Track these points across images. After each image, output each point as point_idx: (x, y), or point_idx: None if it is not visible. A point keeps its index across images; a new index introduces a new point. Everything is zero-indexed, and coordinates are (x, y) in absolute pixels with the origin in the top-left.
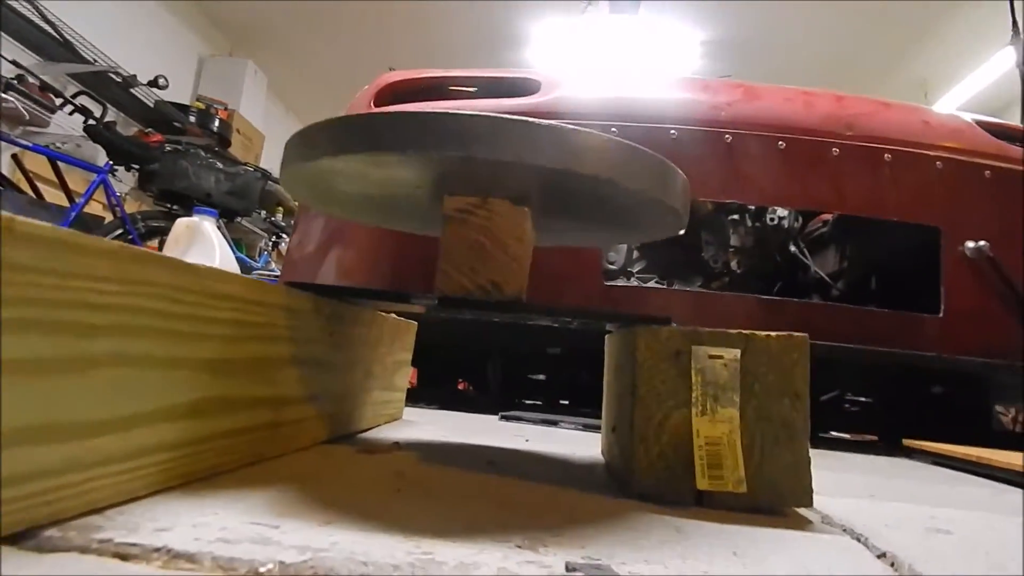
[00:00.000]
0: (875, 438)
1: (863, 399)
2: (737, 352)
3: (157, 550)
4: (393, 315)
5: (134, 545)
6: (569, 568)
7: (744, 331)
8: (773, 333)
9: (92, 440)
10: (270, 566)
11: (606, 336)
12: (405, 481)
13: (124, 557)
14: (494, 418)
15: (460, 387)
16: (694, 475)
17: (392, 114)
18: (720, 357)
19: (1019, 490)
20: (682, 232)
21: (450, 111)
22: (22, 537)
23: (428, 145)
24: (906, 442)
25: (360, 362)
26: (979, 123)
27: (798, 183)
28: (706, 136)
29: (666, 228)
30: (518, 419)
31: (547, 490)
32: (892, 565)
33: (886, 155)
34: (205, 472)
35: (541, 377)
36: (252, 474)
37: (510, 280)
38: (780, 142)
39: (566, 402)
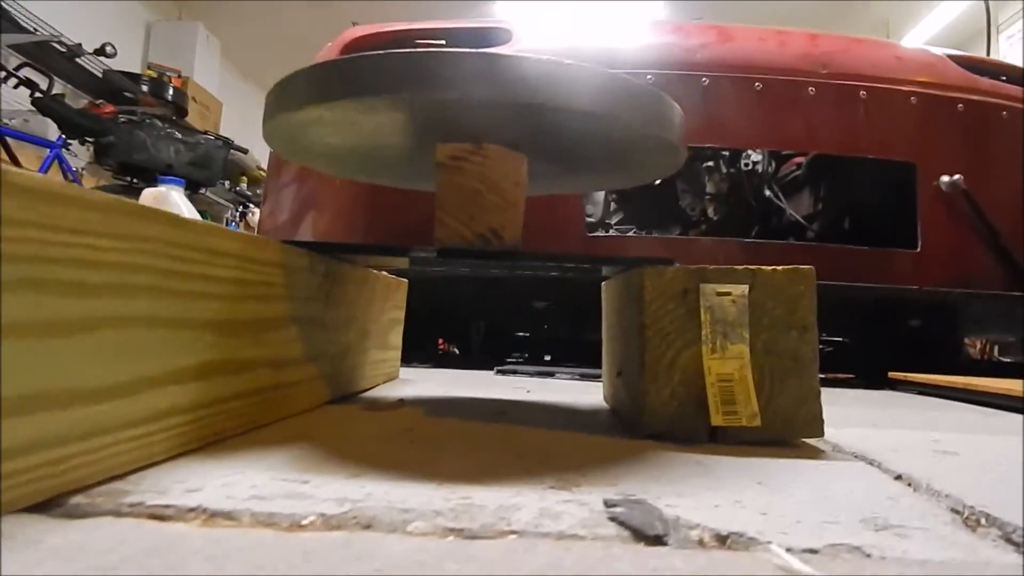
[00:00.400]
0: (851, 376)
1: (838, 339)
2: (745, 288)
3: (192, 510)
4: (384, 273)
5: (167, 507)
6: (608, 504)
7: (750, 267)
8: (779, 267)
9: (103, 405)
10: (312, 518)
11: (603, 284)
12: (418, 434)
13: (160, 518)
14: (490, 373)
15: (440, 348)
16: (706, 412)
17: (383, 55)
18: (728, 294)
19: (1007, 412)
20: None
21: (442, 50)
22: (48, 506)
23: (422, 86)
24: (891, 374)
25: (356, 321)
26: (951, 57)
27: (776, 124)
28: (682, 80)
29: (664, 166)
30: (514, 372)
31: (561, 435)
32: (910, 485)
33: (861, 92)
34: (217, 435)
35: (525, 334)
36: (263, 435)
37: (508, 226)
38: (757, 83)
39: (548, 357)
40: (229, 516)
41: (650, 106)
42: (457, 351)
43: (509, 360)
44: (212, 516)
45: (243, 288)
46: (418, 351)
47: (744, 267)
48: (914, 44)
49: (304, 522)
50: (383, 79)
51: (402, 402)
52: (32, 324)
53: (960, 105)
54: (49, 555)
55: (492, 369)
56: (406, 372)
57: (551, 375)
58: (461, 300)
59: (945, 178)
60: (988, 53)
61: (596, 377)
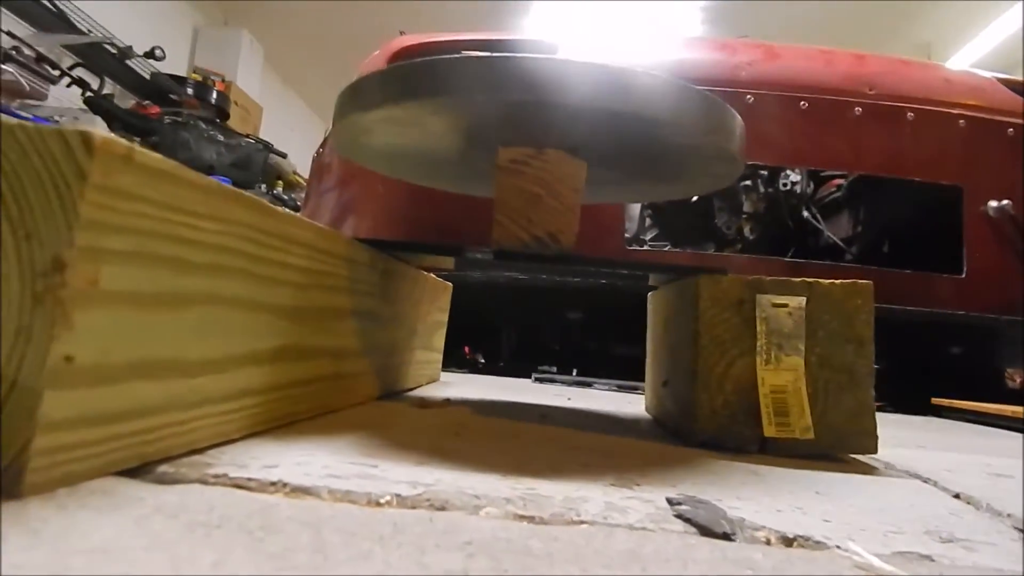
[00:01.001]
0: (882, 404)
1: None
2: (802, 300)
3: (273, 484)
4: (432, 275)
5: (250, 480)
6: (672, 502)
7: (807, 279)
8: (837, 281)
9: (191, 380)
10: (388, 497)
11: (649, 295)
12: (471, 430)
13: (245, 489)
14: (526, 380)
15: (466, 355)
16: (758, 423)
17: (459, 58)
18: (785, 305)
19: None
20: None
21: (517, 54)
22: (137, 472)
23: (497, 88)
24: (934, 400)
25: (406, 319)
26: (999, 80)
27: (821, 144)
28: (727, 97)
29: (721, 177)
30: (551, 380)
31: (609, 439)
32: (969, 503)
33: (908, 114)
34: (283, 419)
35: (556, 346)
36: (325, 423)
37: (565, 231)
38: (802, 102)
39: (576, 371)
40: (308, 491)
41: (713, 114)
42: (483, 359)
43: (540, 370)
44: (293, 490)
45: (313, 277)
46: (448, 357)
47: (801, 279)
48: (959, 67)
49: (382, 500)
50: (454, 80)
51: (448, 401)
52: (140, 295)
53: (1010, 129)
54: (154, 511)
55: (526, 377)
56: (444, 376)
57: (589, 385)
58: (493, 308)
59: (993, 203)
60: None
61: (634, 389)
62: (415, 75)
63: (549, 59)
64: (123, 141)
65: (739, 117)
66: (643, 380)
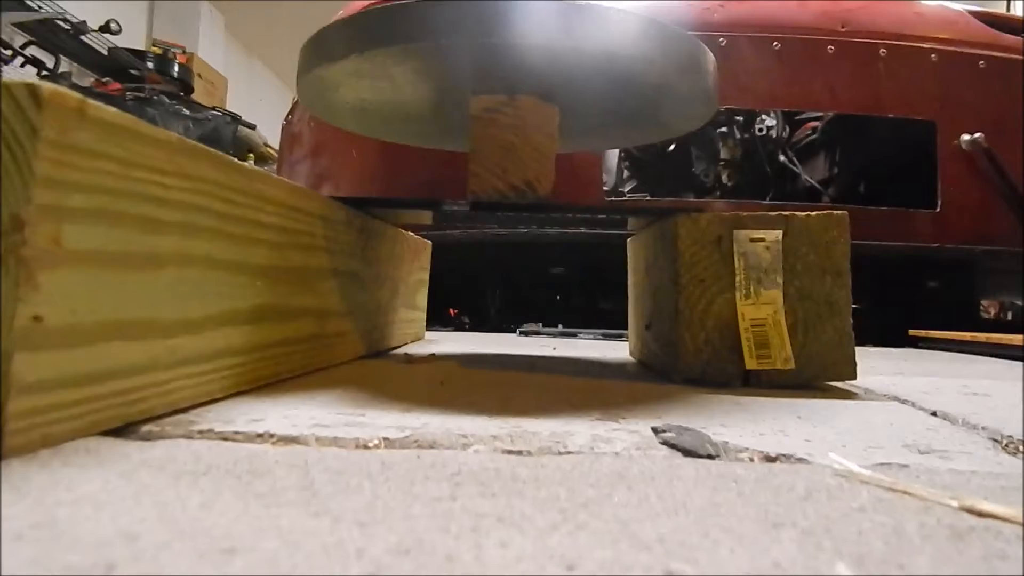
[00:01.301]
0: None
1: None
2: (779, 233)
3: (260, 435)
4: (411, 234)
5: (236, 432)
6: (657, 431)
7: (783, 212)
8: (813, 212)
9: (168, 340)
10: (376, 441)
11: (628, 241)
12: (459, 380)
13: (232, 441)
14: (511, 335)
15: (451, 315)
16: (740, 357)
17: (423, 2)
18: (762, 240)
19: None
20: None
21: None
22: (122, 432)
23: (463, 31)
24: (911, 332)
25: (388, 279)
26: (971, 13)
27: (795, 84)
28: (700, 40)
29: (696, 118)
30: (536, 333)
31: (594, 381)
32: (946, 419)
33: (881, 50)
34: (267, 379)
35: (539, 303)
36: (310, 380)
37: (542, 179)
38: (775, 43)
39: (560, 326)
40: (296, 440)
41: (685, 50)
42: (467, 320)
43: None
44: (280, 439)
45: (288, 236)
46: (432, 318)
47: (778, 213)
48: (933, 0)
49: (370, 444)
50: (422, 25)
51: (434, 356)
52: (108, 255)
53: (981, 62)
54: (141, 465)
55: (512, 332)
56: (429, 335)
57: (574, 335)
58: (475, 267)
59: (966, 136)
60: (1008, 8)
61: (619, 337)
62: (379, 21)
63: (516, 1)
64: (74, 93)
65: (711, 53)
66: (627, 329)
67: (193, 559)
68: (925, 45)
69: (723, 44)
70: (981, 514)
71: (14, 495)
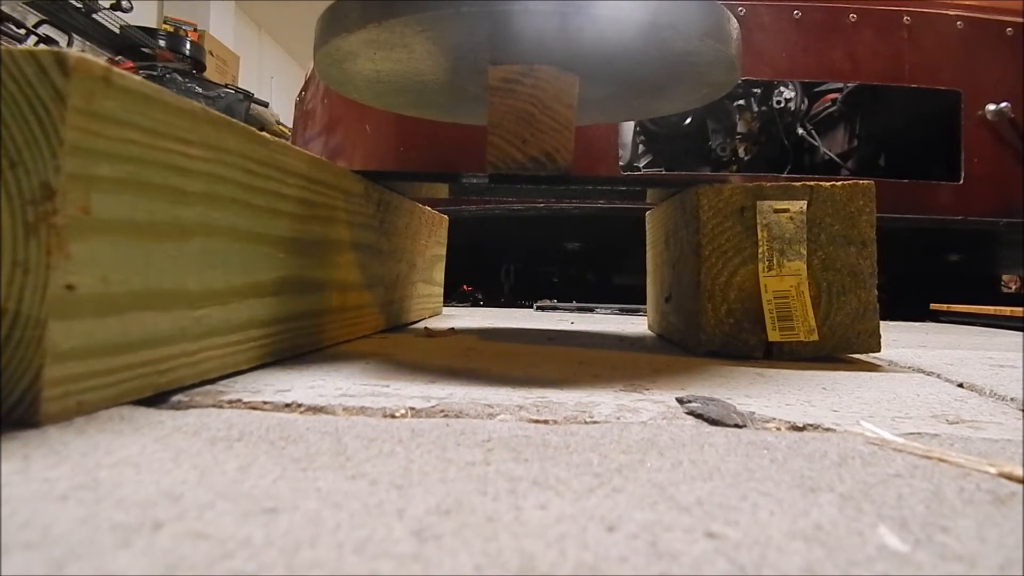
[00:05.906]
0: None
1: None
2: (803, 204)
3: (288, 405)
4: (428, 208)
5: (265, 403)
6: (682, 401)
7: (808, 182)
8: (838, 182)
9: (196, 311)
10: (403, 411)
11: (648, 213)
12: (480, 352)
13: (261, 410)
14: (529, 310)
15: (465, 291)
16: (763, 329)
17: None
18: (786, 210)
19: None
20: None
21: None
22: (153, 401)
23: None
24: (932, 306)
25: (406, 252)
26: None
27: (816, 54)
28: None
29: (719, 85)
30: (553, 308)
31: (615, 354)
32: (973, 390)
33: (905, 18)
34: (290, 351)
35: (555, 279)
36: (334, 353)
37: (561, 150)
38: (796, 11)
39: (575, 302)
40: (323, 410)
41: (709, 16)
42: (481, 297)
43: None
44: (308, 409)
45: (309, 209)
46: (448, 294)
47: (803, 183)
48: None
49: (397, 413)
50: None
51: (454, 330)
52: (136, 224)
53: (1009, 29)
54: (174, 431)
55: (530, 307)
56: (445, 310)
57: (591, 310)
58: (491, 246)
59: (991, 106)
60: None
61: (636, 311)
62: None
63: None
64: (100, 61)
65: (735, 19)
66: (645, 304)
67: (237, 517)
68: (950, 12)
69: (742, 13)
70: (1021, 480)
71: (55, 459)
